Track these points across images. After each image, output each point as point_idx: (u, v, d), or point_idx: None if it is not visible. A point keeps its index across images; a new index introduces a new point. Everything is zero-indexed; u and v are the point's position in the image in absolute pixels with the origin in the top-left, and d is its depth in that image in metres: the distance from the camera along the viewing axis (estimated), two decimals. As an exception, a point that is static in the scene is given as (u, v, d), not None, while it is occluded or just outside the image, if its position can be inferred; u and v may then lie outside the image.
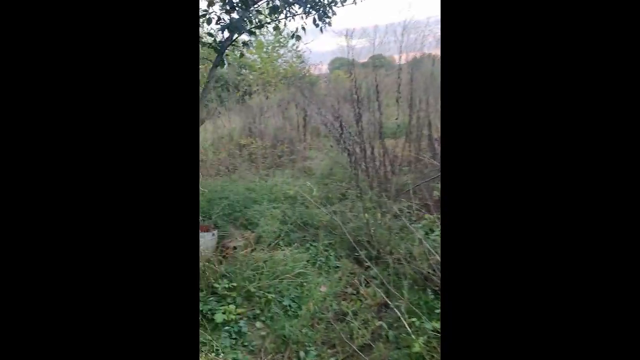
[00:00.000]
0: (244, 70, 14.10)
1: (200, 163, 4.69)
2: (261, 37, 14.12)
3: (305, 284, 2.22)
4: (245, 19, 2.80)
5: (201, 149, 5.78)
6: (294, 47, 14.18)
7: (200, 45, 3.16)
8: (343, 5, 3.00)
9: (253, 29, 2.95)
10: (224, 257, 2.52)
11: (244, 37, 3.13)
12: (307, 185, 3.64)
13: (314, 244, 2.70)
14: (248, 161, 4.83)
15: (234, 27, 2.77)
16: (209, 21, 2.97)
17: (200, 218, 2.86)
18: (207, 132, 6.83)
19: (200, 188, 2.87)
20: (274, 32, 13.97)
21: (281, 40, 14.49)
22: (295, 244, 2.70)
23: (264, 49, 13.93)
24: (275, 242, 2.69)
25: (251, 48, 13.66)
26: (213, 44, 3.14)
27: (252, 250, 2.54)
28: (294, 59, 13.62)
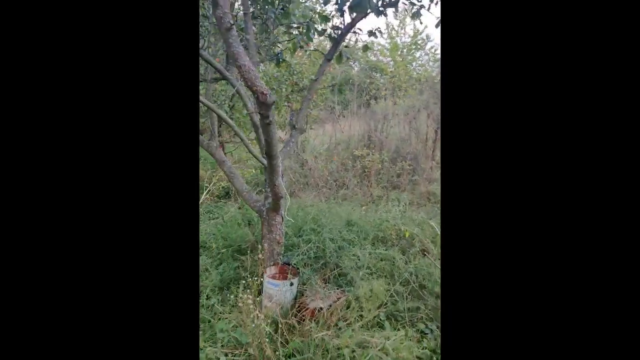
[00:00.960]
0: (374, 74, 13.42)
1: (308, 172, 4.11)
2: (397, 39, 13.19)
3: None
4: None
5: (313, 155, 5.25)
6: (432, 50, 12.82)
7: (315, 34, 2.56)
8: None
9: (381, 8, 2.10)
10: (298, 321, 1.76)
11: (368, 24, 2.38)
12: (429, 222, 2.62)
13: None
14: (360, 176, 4.01)
15: (357, 5, 1.97)
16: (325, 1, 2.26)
17: (284, 255, 2.16)
18: (325, 135, 6.31)
19: (288, 217, 2.16)
20: (411, 35, 12.84)
21: (418, 42, 13.29)
22: (404, 323, 1.76)
23: (399, 51, 12.96)
24: (376, 315, 1.79)
25: (386, 51, 12.83)
26: (329, 32, 2.42)
27: (337, 326, 1.70)
28: (430, 63, 12.29)
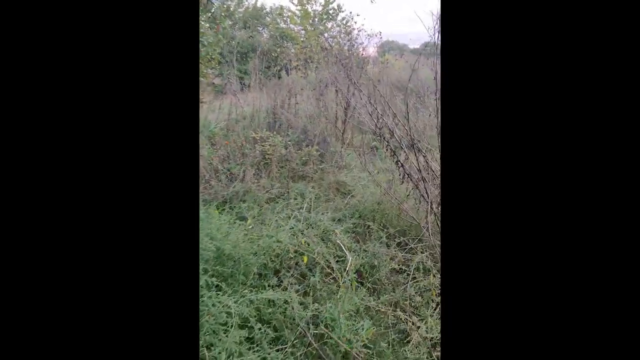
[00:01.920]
0: (285, 42, 12.40)
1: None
2: (308, 6, 12.27)
3: None
4: None
5: (207, 135, 4.26)
6: (343, 22, 12.24)
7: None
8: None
9: None
10: None
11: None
12: (334, 231, 2.04)
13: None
14: (259, 165, 3.24)
15: None
16: None
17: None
18: (222, 111, 5.30)
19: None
20: (323, 2, 12.02)
21: (330, 12, 12.57)
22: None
23: (310, 20, 12.09)
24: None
25: (296, 18, 11.82)
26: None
27: None
28: (342, 35, 11.76)
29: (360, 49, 8.02)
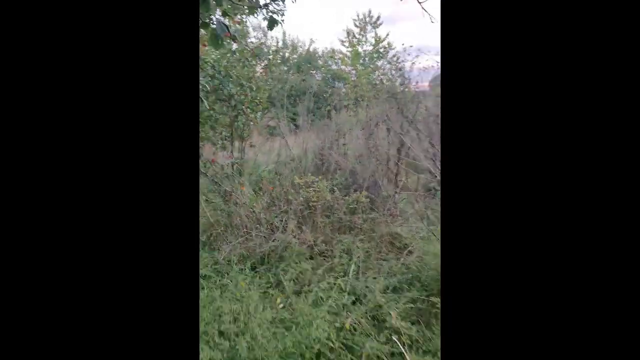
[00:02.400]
0: (336, 83, 12.55)
1: (233, 208, 2.97)
2: (358, 47, 12.40)
3: None
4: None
5: (255, 179, 4.11)
6: (395, 59, 12.11)
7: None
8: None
9: None
10: None
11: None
12: (390, 313, 1.58)
13: None
14: (301, 214, 2.92)
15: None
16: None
17: None
18: (272, 154, 5.20)
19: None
20: (373, 42, 12.08)
21: (380, 50, 12.58)
22: None
23: (360, 60, 12.16)
24: None
25: (347, 59, 11.96)
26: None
27: None
28: (393, 72, 11.58)
29: (413, 84, 7.67)
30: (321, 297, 1.69)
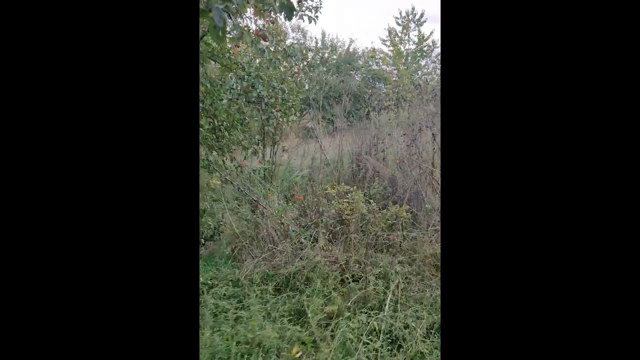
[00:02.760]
0: (377, 84, 12.10)
1: (259, 219, 2.75)
2: (400, 46, 11.85)
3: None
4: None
5: (288, 185, 3.89)
6: (439, 58, 11.42)
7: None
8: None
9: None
10: None
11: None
12: None
13: None
14: (333, 228, 2.63)
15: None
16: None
17: None
18: (307, 157, 4.95)
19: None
20: (417, 41, 11.47)
21: (424, 49, 11.92)
22: None
23: (403, 59, 11.60)
24: None
25: (389, 59, 11.48)
26: None
27: None
28: (437, 71, 10.90)
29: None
30: (350, 340, 1.38)
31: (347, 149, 4.85)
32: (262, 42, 3.04)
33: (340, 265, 2.25)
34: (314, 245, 2.45)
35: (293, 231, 2.63)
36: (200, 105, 2.95)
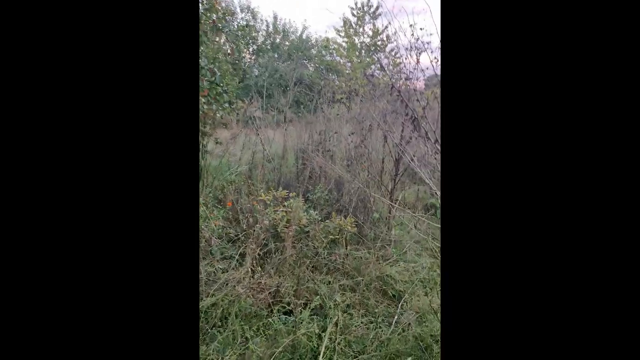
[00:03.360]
0: (330, 75, 11.70)
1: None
2: (355, 37, 11.55)
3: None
4: None
5: (222, 183, 3.33)
6: (392, 53, 11.30)
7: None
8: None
9: None
10: None
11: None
12: None
13: None
14: (265, 247, 2.17)
15: None
16: None
17: None
18: (246, 151, 4.39)
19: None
20: (371, 34, 11.24)
21: (378, 44, 11.75)
22: None
23: (357, 52, 11.32)
24: None
25: (342, 50, 11.12)
26: None
27: None
28: (391, 67, 10.81)
29: (412, 82, 6.92)
30: None
31: (292, 144, 4.39)
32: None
33: (269, 293, 1.80)
34: (239, 265, 1.97)
35: (217, 246, 2.13)
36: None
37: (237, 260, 1.99)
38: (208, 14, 2.80)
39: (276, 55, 11.50)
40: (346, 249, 2.21)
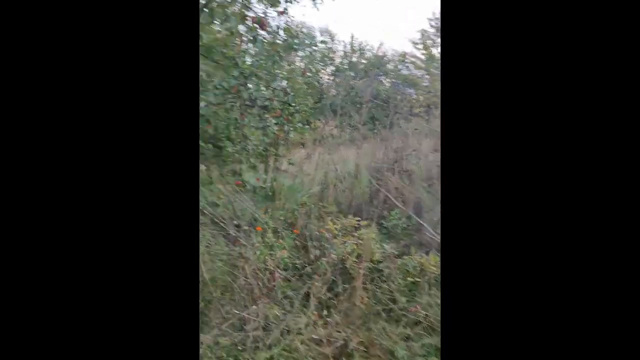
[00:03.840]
0: (407, 89, 11.17)
1: (238, 259, 2.06)
2: (433, 49, 10.86)
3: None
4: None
5: (293, 206, 3.18)
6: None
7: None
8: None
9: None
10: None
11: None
12: None
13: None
14: (332, 285, 1.87)
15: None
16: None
17: None
18: (319, 171, 4.21)
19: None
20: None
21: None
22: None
23: (435, 63, 10.59)
24: None
25: (420, 62, 10.52)
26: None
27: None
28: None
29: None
30: None
31: (365, 162, 4.07)
32: (259, 30, 2.37)
33: (336, 348, 1.49)
34: (302, 310, 1.71)
35: (280, 282, 1.91)
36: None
37: (301, 304, 1.73)
38: (281, 34, 2.71)
39: (353, 74, 11.45)
40: (428, 292, 1.79)
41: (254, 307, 1.72)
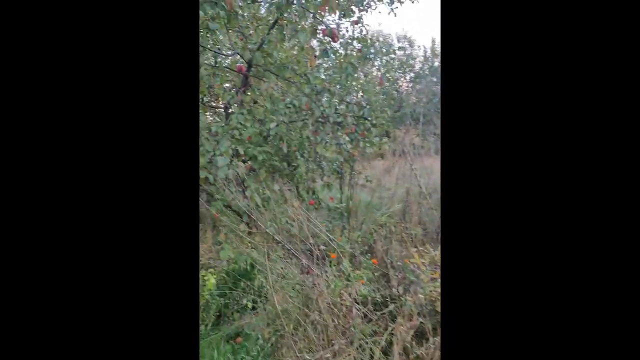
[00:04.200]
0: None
1: (312, 299, 1.87)
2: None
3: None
4: None
5: (371, 226, 2.91)
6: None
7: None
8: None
9: None
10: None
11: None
12: None
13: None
14: (419, 327, 1.54)
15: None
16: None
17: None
18: (400, 186, 3.83)
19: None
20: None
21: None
22: None
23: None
24: None
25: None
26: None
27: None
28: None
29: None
30: None
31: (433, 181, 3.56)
32: (331, 42, 2.22)
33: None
34: (382, 355, 1.42)
35: (360, 322, 1.65)
36: (263, 127, 2.29)
37: (382, 351, 1.44)
38: (357, 44, 2.52)
39: (434, 79, 10.70)
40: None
41: (328, 355, 1.49)
